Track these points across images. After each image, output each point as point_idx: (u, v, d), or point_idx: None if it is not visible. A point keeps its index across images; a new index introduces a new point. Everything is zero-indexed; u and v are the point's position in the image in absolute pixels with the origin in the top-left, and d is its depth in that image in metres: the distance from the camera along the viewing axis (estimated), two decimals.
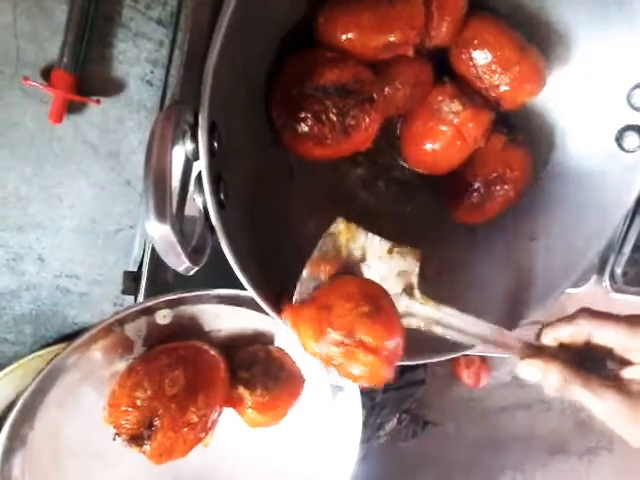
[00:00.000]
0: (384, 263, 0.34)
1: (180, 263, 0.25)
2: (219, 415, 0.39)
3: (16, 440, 0.36)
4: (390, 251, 0.34)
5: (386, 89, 0.36)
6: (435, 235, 0.42)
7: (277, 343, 0.43)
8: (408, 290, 0.34)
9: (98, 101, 0.45)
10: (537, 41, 0.38)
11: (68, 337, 0.50)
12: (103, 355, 0.38)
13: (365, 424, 0.57)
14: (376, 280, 0.34)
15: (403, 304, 0.34)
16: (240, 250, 0.30)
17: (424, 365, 0.61)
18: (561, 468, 0.75)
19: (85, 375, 0.38)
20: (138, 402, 0.35)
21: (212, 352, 0.39)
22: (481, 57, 0.36)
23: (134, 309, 0.37)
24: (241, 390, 0.40)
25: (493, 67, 0.36)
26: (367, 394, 0.57)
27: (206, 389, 0.37)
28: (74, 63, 0.44)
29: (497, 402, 0.69)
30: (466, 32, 0.36)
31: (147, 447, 0.36)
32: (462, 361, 0.65)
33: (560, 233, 0.39)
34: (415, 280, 0.34)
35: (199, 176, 0.28)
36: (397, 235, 0.34)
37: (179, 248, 0.24)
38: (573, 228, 0.39)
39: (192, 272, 0.27)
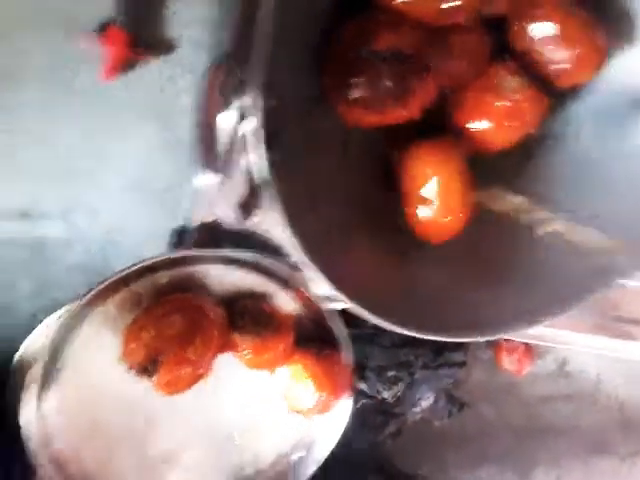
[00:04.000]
0: None
1: (227, 217, 0.27)
2: (216, 356, 0.48)
3: (50, 376, 0.44)
4: None
5: (444, 57, 0.37)
6: None
7: (269, 300, 0.50)
8: None
9: (150, 60, 0.48)
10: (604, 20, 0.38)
11: None
12: (116, 308, 0.46)
13: (403, 399, 0.60)
14: None
15: None
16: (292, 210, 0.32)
17: (465, 346, 0.62)
18: (600, 468, 0.73)
19: (104, 323, 0.46)
20: (144, 341, 0.44)
21: (207, 302, 0.47)
22: (542, 30, 0.36)
23: (135, 268, 0.45)
24: (236, 336, 0.48)
25: (554, 42, 0.36)
26: (406, 369, 0.59)
27: (202, 332, 0.46)
28: (129, 21, 0.46)
29: (539, 391, 0.69)
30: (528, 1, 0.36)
31: (154, 379, 0.44)
32: (504, 346, 0.65)
33: None
34: None
35: (248, 132, 0.30)
36: None
37: (232, 205, 0.26)
38: None
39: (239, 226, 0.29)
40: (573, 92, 0.41)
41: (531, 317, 0.40)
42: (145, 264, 0.45)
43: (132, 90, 0.49)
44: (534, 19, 0.37)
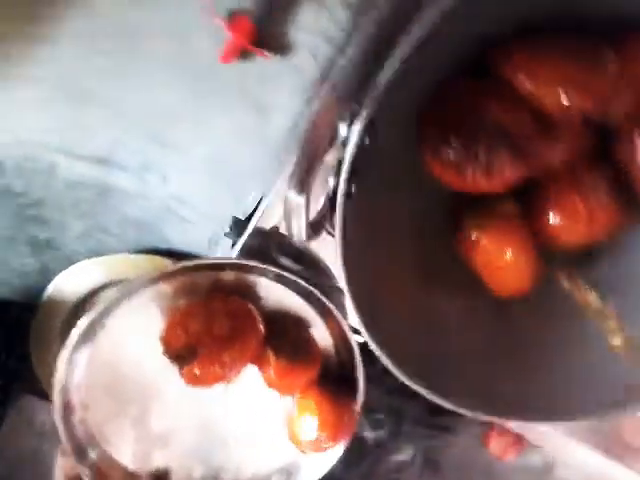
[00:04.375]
0: None
1: (299, 232, 0.29)
2: (246, 366, 0.49)
3: (92, 331, 0.46)
4: None
5: (543, 147, 0.37)
6: None
7: (309, 328, 0.52)
8: None
9: (267, 56, 0.50)
10: None
11: (159, 252, 0.56)
12: (173, 290, 0.48)
13: (382, 445, 0.60)
14: None
15: None
16: (351, 245, 0.33)
17: (460, 415, 0.62)
18: None
19: (155, 299, 0.47)
20: (190, 330, 0.46)
21: (257, 315, 0.49)
22: None
23: (206, 262, 0.47)
24: (269, 353, 0.49)
25: None
26: (395, 417, 0.59)
27: (243, 340, 0.48)
28: (258, 14, 0.48)
29: None
30: None
31: (186, 368, 0.46)
32: (496, 428, 0.65)
33: None
34: None
35: (340, 161, 0.31)
36: None
37: (304, 220, 0.28)
38: None
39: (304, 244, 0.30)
40: None
41: (553, 413, 0.40)
42: (215, 262, 0.47)
43: (241, 77, 0.51)
44: None
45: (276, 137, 0.51)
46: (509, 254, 0.41)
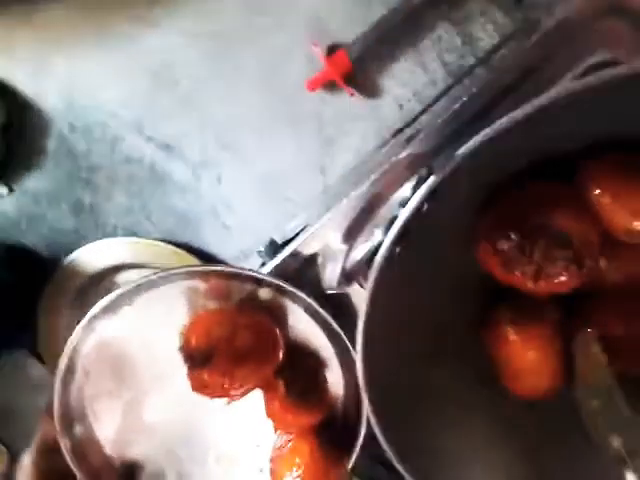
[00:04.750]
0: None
1: (331, 278, 0.28)
2: (253, 389, 0.47)
3: (117, 305, 0.46)
4: None
5: (602, 262, 0.36)
6: None
7: (326, 371, 0.50)
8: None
9: (353, 94, 0.50)
10: None
11: (190, 250, 0.56)
12: (205, 290, 0.46)
13: None
14: None
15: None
16: (375, 306, 0.32)
17: None
18: None
19: (186, 294, 0.47)
20: (213, 335, 0.44)
21: (280, 340, 0.47)
22: None
23: (248, 273, 0.45)
24: (280, 383, 0.47)
25: None
26: None
27: (259, 362, 0.46)
28: (357, 54, 0.49)
29: None
30: None
31: (195, 371, 0.45)
32: None
33: None
34: None
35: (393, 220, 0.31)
36: None
37: (339, 268, 0.27)
38: None
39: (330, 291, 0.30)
40: None
41: None
42: (256, 275, 0.45)
43: (319, 108, 0.51)
44: None
45: (336, 173, 0.51)
46: (535, 356, 0.39)
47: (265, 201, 0.54)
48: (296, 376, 0.48)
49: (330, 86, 0.51)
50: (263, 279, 0.44)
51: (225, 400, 0.47)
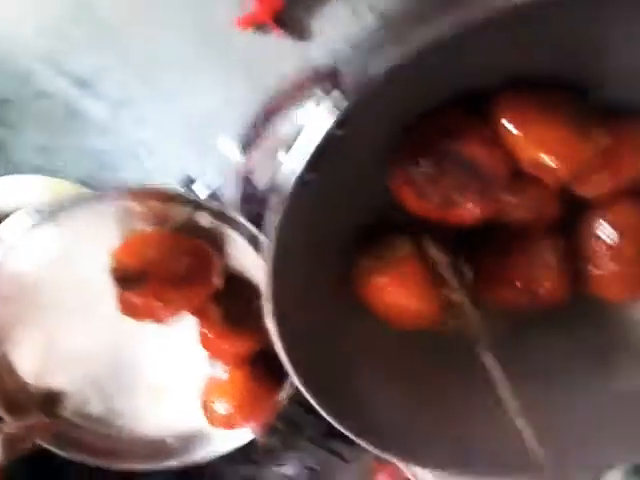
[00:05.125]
0: None
1: (233, 195, 0.27)
2: (186, 313, 0.46)
3: (46, 220, 0.44)
4: None
5: (509, 197, 0.37)
6: None
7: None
8: None
9: (280, 35, 0.49)
10: None
11: None
12: (142, 213, 0.44)
13: (270, 452, 0.57)
14: None
15: None
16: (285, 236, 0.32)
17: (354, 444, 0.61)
18: None
19: (119, 216, 0.44)
20: (146, 256, 0.42)
21: (217, 266, 0.45)
22: (608, 235, 0.37)
23: (186, 196, 0.43)
24: (215, 309, 0.46)
25: (609, 252, 0.37)
26: (292, 429, 0.57)
27: (193, 286, 0.44)
28: None
29: None
30: (617, 205, 0.37)
31: (126, 293, 0.43)
32: (388, 469, 0.63)
33: None
34: None
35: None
36: None
37: (239, 181, 0.26)
38: None
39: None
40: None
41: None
42: (195, 199, 0.44)
43: (248, 49, 0.50)
44: (613, 224, 0.37)
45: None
46: (398, 294, 0.39)
47: (188, 142, 0.52)
48: (232, 304, 0.46)
49: (260, 26, 0.49)
50: (202, 202, 0.43)
51: (155, 325, 0.46)
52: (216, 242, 0.45)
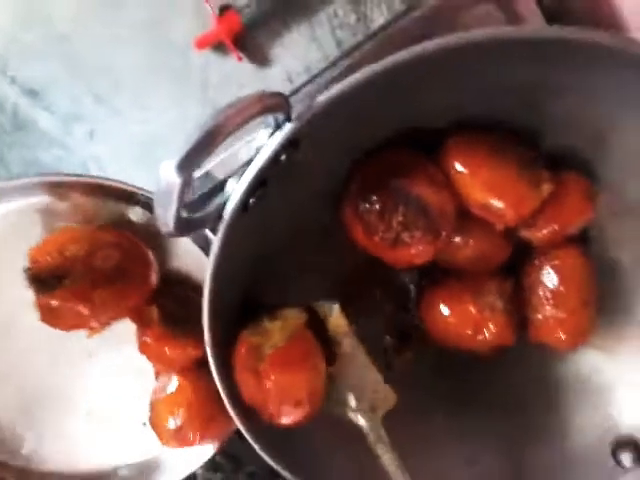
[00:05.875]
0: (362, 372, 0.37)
1: (165, 219, 0.26)
2: (119, 319, 0.42)
3: None
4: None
5: (457, 238, 0.37)
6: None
7: None
8: (372, 408, 0.37)
9: (241, 58, 0.48)
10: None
11: None
12: (65, 210, 0.40)
13: None
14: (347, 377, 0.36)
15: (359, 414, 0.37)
16: (224, 256, 0.31)
17: None
18: None
19: (39, 214, 0.40)
20: (67, 253, 0.37)
21: (152, 262, 0.41)
22: (551, 280, 0.37)
23: (116, 185, 0.39)
24: (154, 310, 0.41)
25: (552, 297, 0.38)
26: (232, 467, 0.55)
27: (125, 285, 0.39)
28: (251, 16, 0.47)
29: None
30: (559, 251, 0.37)
31: (42, 296, 0.38)
32: None
33: None
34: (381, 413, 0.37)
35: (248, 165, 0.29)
36: None
37: (174, 207, 0.25)
38: None
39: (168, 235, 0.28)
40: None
41: None
42: (125, 187, 0.39)
43: (205, 70, 0.49)
44: (556, 269, 0.37)
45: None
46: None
47: (139, 161, 0.51)
48: (174, 305, 0.42)
49: (219, 48, 0.49)
50: (134, 193, 0.39)
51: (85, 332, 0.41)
52: (152, 238, 0.41)
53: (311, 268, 0.39)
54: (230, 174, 0.31)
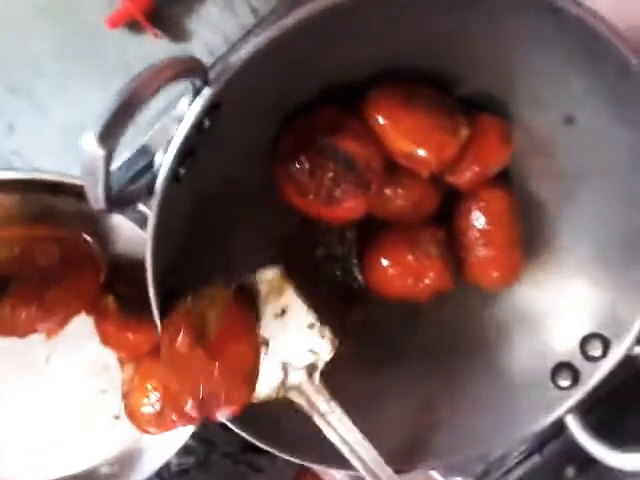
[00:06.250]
0: (300, 333, 0.36)
1: (95, 194, 0.26)
2: (75, 315, 0.40)
3: None
4: (311, 326, 0.36)
5: (387, 190, 0.38)
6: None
7: None
8: (310, 369, 0.36)
9: (157, 35, 0.48)
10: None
11: None
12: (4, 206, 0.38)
13: (187, 473, 0.55)
14: (283, 344, 0.36)
15: (297, 377, 0.36)
16: (162, 230, 0.31)
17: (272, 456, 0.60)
18: None
19: None
20: (1, 257, 0.36)
21: (96, 250, 0.40)
22: (479, 222, 0.39)
23: (38, 177, 0.38)
24: (109, 299, 0.40)
25: (481, 238, 0.39)
26: (205, 447, 0.55)
27: (76, 279, 0.38)
28: None
29: None
30: (484, 192, 0.39)
31: None
32: (310, 473, 0.62)
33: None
34: (321, 365, 0.36)
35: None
36: None
37: (101, 178, 0.25)
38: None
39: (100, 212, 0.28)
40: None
41: None
42: (45, 178, 0.38)
43: (122, 50, 0.48)
44: (482, 210, 0.39)
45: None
46: None
47: (66, 151, 0.49)
48: (127, 289, 0.41)
49: (134, 27, 0.48)
50: (61, 183, 0.37)
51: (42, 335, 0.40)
52: (90, 225, 0.40)
53: (251, 233, 0.39)
54: (155, 146, 0.31)
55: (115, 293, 0.41)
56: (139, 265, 0.40)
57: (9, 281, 0.36)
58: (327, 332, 0.36)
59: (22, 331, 0.38)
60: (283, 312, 0.36)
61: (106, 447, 0.47)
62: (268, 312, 0.36)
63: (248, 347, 0.35)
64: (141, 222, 0.41)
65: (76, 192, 0.38)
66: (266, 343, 0.36)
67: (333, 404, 0.36)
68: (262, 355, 0.36)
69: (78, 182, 0.37)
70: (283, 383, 0.37)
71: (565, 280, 0.42)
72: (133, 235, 0.41)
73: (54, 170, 0.49)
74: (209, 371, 0.32)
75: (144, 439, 0.47)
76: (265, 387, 0.36)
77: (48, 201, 0.39)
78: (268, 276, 0.36)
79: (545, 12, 0.30)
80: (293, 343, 0.36)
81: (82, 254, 0.39)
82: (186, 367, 0.32)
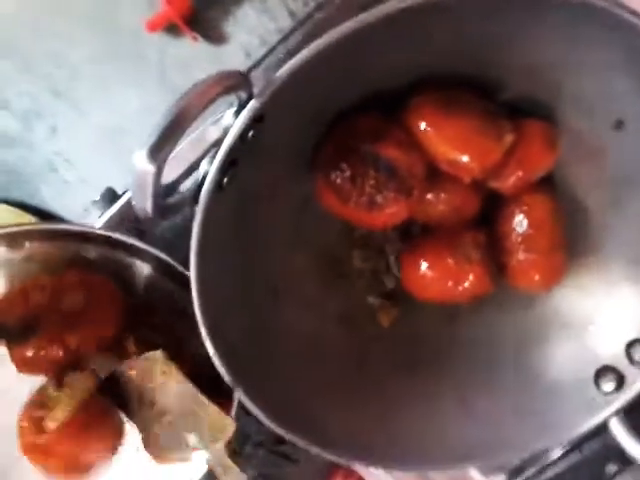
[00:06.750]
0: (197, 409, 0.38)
1: (143, 207, 0.27)
2: (97, 355, 0.41)
3: None
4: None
5: (429, 195, 0.38)
6: None
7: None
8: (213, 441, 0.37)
9: (195, 38, 0.48)
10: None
11: (27, 208, 0.51)
12: (21, 258, 0.39)
13: None
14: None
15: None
16: (207, 237, 0.31)
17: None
18: None
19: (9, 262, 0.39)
20: (31, 302, 0.37)
21: (119, 294, 0.41)
22: (521, 226, 0.39)
23: (57, 227, 0.39)
24: (130, 342, 0.41)
25: (524, 242, 0.39)
26: (238, 440, 0.56)
27: (97, 322, 0.39)
28: None
29: None
30: (527, 196, 0.39)
31: (14, 348, 0.37)
32: (342, 470, 0.63)
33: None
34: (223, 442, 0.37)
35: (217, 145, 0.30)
36: None
37: (150, 194, 0.26)
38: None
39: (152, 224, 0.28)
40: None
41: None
42: (70, 229, 0.39)
43: (161, 52, 0.49)
44: (525, 215, 0.39)
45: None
46: None
47: (106, 153, 0.51)
48: (150, 333, 0.42)
49: (172, 30, 0.48)
50: (83, 231, 0.39)
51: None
52: (114, 270, 0.41)
53: (292, 240, 0.40)
54: (200, 156, 0.31)
55: (134, 335, 0.42)
56: (162, 311, 0.43)
57: (35, 324, 0.37)
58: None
59: (44, 371, 0.39)
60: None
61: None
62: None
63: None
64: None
65: (103, 240, 0.39)
66: None
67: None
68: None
69: (105, 233, 0.39)
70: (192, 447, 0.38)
71: (611, 285, 0.41)
72: (153, 283, 0.42)
73: (94, 171, 0.51)
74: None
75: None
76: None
77: (78, 248, 0.40)
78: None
79: (590, 13, 0.29)
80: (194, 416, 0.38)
81: (106, 298, 0.41)
82: None
